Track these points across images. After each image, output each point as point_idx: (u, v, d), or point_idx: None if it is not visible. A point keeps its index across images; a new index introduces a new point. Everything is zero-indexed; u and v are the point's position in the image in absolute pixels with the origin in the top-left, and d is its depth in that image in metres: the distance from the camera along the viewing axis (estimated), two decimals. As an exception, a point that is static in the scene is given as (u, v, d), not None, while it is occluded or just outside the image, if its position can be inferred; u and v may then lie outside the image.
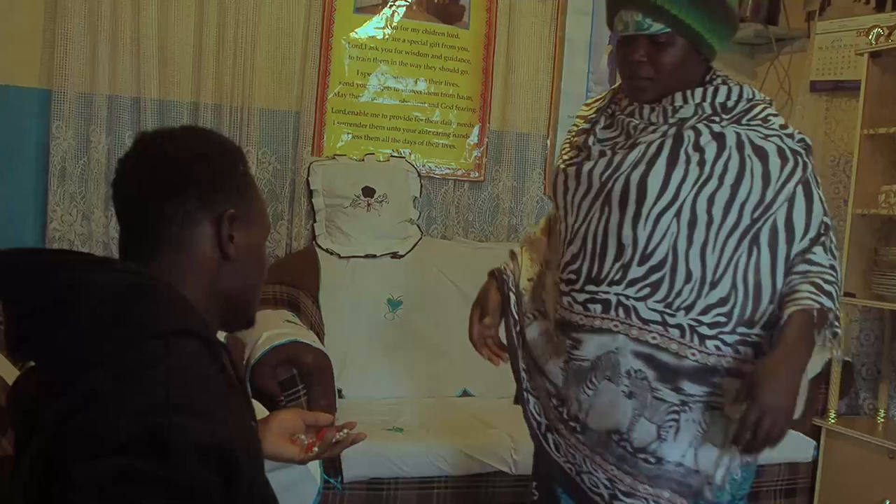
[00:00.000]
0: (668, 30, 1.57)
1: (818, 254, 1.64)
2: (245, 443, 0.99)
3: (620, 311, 1.66)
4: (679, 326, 1.64)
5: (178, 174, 1.12)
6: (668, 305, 1.64)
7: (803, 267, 1.63)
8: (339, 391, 2.95)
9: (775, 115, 1.67)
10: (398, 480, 2.68)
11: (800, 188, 1.64)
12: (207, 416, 0.93)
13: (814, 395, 3.20)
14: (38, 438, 0.95)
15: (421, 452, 2.71)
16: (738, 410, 1.54)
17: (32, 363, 1.05)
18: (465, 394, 3.36)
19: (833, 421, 3.15)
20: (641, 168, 1.62)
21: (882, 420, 3.22)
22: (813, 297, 1.58)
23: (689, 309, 1.64)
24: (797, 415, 1.62)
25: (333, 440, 1.44)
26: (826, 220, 1.68)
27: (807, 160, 1.65)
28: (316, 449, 1.43)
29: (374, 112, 3.64)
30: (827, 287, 1.60)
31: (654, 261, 1.63)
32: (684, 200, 1.61)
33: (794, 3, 3.88)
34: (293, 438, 1.43)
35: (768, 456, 2.94)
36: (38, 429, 0.95)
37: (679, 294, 1.63)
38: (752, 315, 1.64)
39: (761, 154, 1.62)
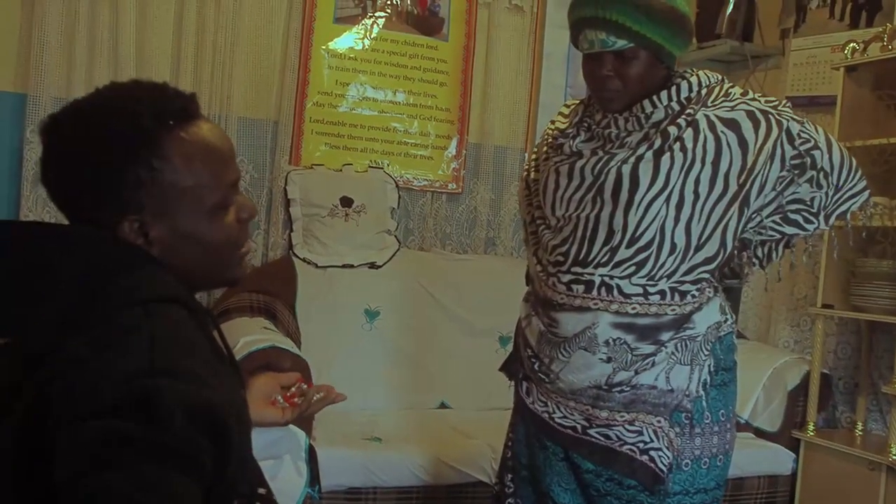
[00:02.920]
0: (632, 44, 1.63)
1: (801, 190, 1.74)
2: (235, 411, 0.96)
3: (603, 290, 1.70)
4: (660, 292, 1.69)
5: (70, 183, 1.02)
6: (651, 278, 1.69)
7: (787, 206, 1.76)
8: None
9: (732, 87, 1.75)
10: (376, 490, 2.64)
11: (778, 146, 1.68)
12: (194, 379, 0.90)
13: (792, 408, 3.21)
14: (13, 414, 0.90)
15: (399, 462, 2.67)
16: None
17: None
18: (443, 406, 3.34)
19: (812, 433, 3.14)
20: (632, 161, 1.67)
21: (860, 433, 3.22)
22: (776, 228, 1.76)
23: (671, 275, 1.70)
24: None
25: (315, 398, 1.43)
26: (806, 149, 1.71)
27: (780, 118, 1.69)
28: (298, 401, 1.40)
29: (353, 122, 3.63)
30: (792, 216, 1.76)
31: (641, 242, 1.68)
32: (674, 186, 1.66)
33: (768, 20, 3.93)
34: (272, 401, 1.40)
35: (747, 468, 2.98)
36: (13, 405, 0.91)
37: (662, 266, 1.69)
38: (723, 264, 1.76)
39: (732, 125, 1.67)
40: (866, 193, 1.80)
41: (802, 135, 1.70)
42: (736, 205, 1.68)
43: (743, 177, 1.67)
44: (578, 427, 1.75)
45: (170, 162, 1.03)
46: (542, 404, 1.82)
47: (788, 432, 3.18)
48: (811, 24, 3.64)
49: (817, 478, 3.10)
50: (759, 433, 3.22)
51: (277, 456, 1.48)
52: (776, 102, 1.73)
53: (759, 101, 1.71)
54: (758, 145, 1.66)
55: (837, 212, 1.78)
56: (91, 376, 0.87)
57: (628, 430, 1.71)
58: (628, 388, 1.70)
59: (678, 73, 1.76)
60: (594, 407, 1.73)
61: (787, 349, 3.53)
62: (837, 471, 3.02)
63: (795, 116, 1.72)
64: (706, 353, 1.73)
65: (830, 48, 3.50)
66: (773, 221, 1.75)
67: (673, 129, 1.67)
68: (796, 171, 1.70)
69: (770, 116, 1.68)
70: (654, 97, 1.70)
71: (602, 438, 1.73)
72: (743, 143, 1.66)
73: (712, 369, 1.74)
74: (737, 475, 2.96)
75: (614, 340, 1.69)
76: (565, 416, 1.77)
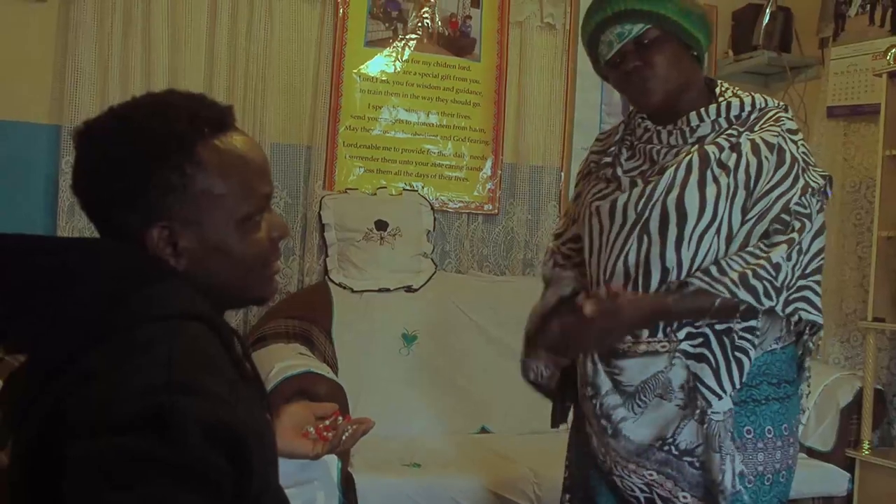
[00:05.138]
0: (649, 25, 1.61)
1: (774, 252, 1.54)
2: (257, 433, 0.92)
3: (667, 329, 1.63)
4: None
5: (101, 187, 1.01)
6: None
7: (752, 258, 1.54)
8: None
9: (789, 119, 1.67)
10: (417, 517, 2.58)
11: (779, 204, 1.57)
12: (212, 397, 0.86)
13: (845, 426, 3.10)
14: (29, 426, 0.88)
15: (440, 487, 2.62)
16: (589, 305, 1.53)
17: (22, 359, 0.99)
18: (484, 430, 3.27)
19: (867, 452, 3.03)
20: (675, 191, 1.61)
21: (918, 450, 3.10)
22: (730, 286, 1.51)
23: None
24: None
25: (346, 433, 1.37)
26: (798, 212, 1.59)
27: (802, 175, 1.60)
28: (326, 434, 1.35)
29: (386, 145, 3.60)
30: (752, 281, 1.51)
31: None
32: (722, 217, 1.59)
33: (806, 30, 3.86)
34: (304, 432, 1.35)
35: (800, 490, 2.87)
36: (30, 418, 0.88)
37: None
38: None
39: (774, 151, 1.60)
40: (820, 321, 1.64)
41: (804, 201, 1.59)
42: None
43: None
44: (642, 499, 1.66)
45: (202, 169, 1.02)
46: (602, 456, 1.72)
47: (842, 451, 3.08)
48: (851, 32, 3.56)
49: (874, 498, 2.98)
50: (812, 453, 3.11)
51: (307, 481, 1.44)
52: (814, 162, 1.65)
53: (798, 147, 1.63)
54: (769, 185, 1.58)
55: (797, 308, 1.58)
56: (106, 391, 0.84)
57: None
58: (699, 465, 1.61)
59: (728, 87, 1.72)
60: (659, 472, 1.64)
61: (837, 366, 3.42)
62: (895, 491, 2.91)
63: (815, 184, 1.61)
64: (730, 445, 1.59)
65: (871, 55, 3.42)
66: (734, 273, 1.55)
67: (713, 150, 1.61)
68: (778, 226, 1.58)
69: (796, 168, 1.60)
70: (703, 110, 1.65)
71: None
72: (765, 177, 1.59)
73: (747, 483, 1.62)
74: (790, 496, 2.85)
75: (690, 386, 1.61)
76: (622, 477, 1.69)
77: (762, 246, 1.56)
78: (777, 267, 1.53)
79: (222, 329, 1.00)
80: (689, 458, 1.62)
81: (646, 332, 1.63)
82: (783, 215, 1.57)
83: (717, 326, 1.59)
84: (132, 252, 1.00)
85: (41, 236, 1.01)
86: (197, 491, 0.81)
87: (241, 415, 0.89)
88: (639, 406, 1.65)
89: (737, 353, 1.58)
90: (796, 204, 1.58)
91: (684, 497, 1.61)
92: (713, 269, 1.54)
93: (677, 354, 1.61)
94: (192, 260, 1.02)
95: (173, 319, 0.93)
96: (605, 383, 1.69)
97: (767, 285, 1.52)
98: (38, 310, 0.93)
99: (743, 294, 1.51)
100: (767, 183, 1.58)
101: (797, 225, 1.57)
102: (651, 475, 1.65)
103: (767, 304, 1.53)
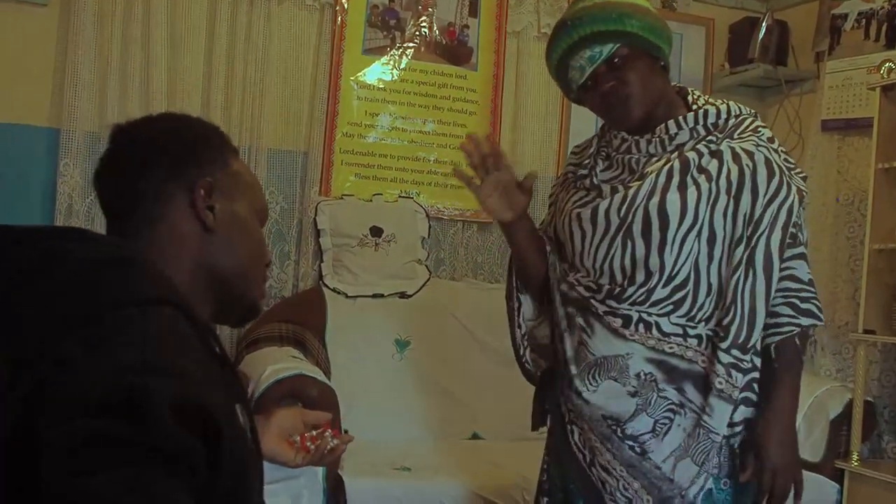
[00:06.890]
0: (619, 44, 1.62)
1: (799, 269, 1.67)
2: (228, 417, 0.93)
3: (641, 326, 1.66)
4: (698, 336, 1.65)
5: (148, 149, 1.10)
6: (691, 319, 1.65)
7: (783, 283, 1.65)
8: (345, 431, 2.87)
9: (763, 127, 1.70)
10: (406, 520, 2.59)
11: (783, 212, 1.62)
12: (185, 378, 0.87)
13: (835, 437, 3.11)
14: (4, 415, 0.88)
15: (429, 492, 2.62)
16: (749, 477, 1.63)
17: None
18: (475, 437, 3.28)
19: (856, 464, 3.04)
20: (657, 196, 1.63)
21: (908, 462, 3.11)
22: (792, 321, 1.64)
23: (709, 319, 1.65)
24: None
25: (328, 447, 1.37)
26: (799, 223, 1.69)
27: (792, 183, 1.65)
28: (310, 444, 1.35)
29: (382, 153, 3.63)
30: (804, 305, 1.65)
31: (677, 280, 1.65)
32: (703, 220, 1.62)
33: (802, 43, 3.88)
34: (289, 440, 1.36)
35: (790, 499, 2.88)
36: (4, 406, 0.89)
37: (701, 307, 1.65)
38: (745, 340, 1.62)
39: (755, 160, 1.63)
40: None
41: (799, 212, 1.66)
42: (744, 260, 1.61)
43: (749, 228, 1.61)
44: (586, 456, 1.72)
45: (236, 158, 1.17)
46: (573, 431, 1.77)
47: (832, 463, 3.08)
48: (846, 46, 3.59)
49: (863, 510, 2.99)
50: (801, 463, 3.11)
51: (293, 476, 1.44)
52: (794, 165, 1.70)
53: (780, 155, 1.67)
54: (766, 198, 1.62)
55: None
56: (80, 375, 0.85)
57: (622, 493, 1.67)
58: (639, 451, 1.66)
59: (700, 96, 1.75)
60: (601, 443, 1.69)
61: (828, 377, 3.43)
62: (884, 502, 2.91)
63: (803, 187, 1.68)
64: (716, 462, 1.65)
65: (866, 69, 3.44)
66: (785, 308, 1.65)
67: (692, 156, 1.63)
68: (789, 241, 1.65)
69: (784, 176, 1.64)
70: (681, 119, 1.67)
71: (599, 483, 1.70)
72: (755, 189, 1.62)
73: (723, 485, 1.66)
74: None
75: (645, 374, 1.65)
76: (577, 443, 1.75)
77: (791, 272, 1.66)
78: (811, 283, 1.67)
79: (195, 318, 1.01)
80: (629, 442, 1.66)
81: (619, 322, 1.66)
82: (792, 228, 1.64)
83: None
84: (109, 241, 1.02)
85: (16, 226, 1.02)
86: (169, 472, 0.82)
87: (214, 397, 0.90)
88: (591, 385, 1.69)
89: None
90: (796, 215, 1.64)
91: (620, 471, 1.67)
92: (788, 311, 1.64)
93: (638, 348, 1.65)
94: (220, 224, 1.10)
95: (148, 305, 0.94)
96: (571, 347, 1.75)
97: (815, 302, 1.66)
98: (13, 297, 0.94)
99: (806, 321, 1.65)
100: (765, 196, 1.61)
101: (801, 238, 1.67)
102: (595, 443, 1.71)
103: (823, 317, 1.68)
